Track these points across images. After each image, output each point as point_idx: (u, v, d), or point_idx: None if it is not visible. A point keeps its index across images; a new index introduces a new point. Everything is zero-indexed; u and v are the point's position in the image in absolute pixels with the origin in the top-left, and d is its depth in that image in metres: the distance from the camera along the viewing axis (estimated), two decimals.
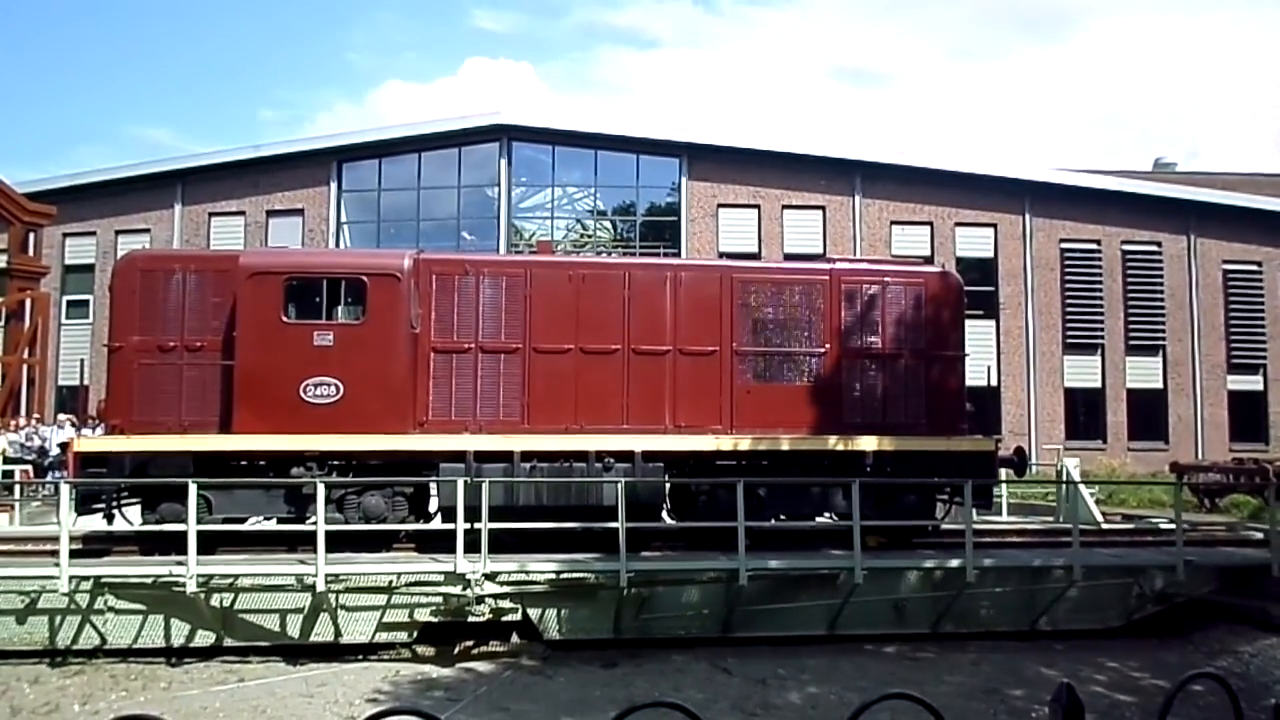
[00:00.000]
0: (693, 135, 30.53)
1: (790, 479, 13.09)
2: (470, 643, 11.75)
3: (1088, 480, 22.05)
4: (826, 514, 13.64)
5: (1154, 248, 30.45)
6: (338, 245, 29.87)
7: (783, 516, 13.19)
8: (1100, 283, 30.06)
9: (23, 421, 22.56)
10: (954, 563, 12.12)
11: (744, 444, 13.14)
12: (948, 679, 10.45)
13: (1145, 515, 18.85)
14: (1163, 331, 30.12)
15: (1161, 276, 30.30)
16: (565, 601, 11.68)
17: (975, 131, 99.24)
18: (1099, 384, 30.03)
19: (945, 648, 11.84)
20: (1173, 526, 14.84)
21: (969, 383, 14.81)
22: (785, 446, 13.20)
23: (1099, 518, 16.65)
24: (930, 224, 30.05)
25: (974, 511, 12.95)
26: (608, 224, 32.08)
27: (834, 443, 13.26)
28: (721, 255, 28.39)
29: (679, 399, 13.32)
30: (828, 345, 13.69)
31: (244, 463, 12.57)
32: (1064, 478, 17.77)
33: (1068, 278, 30.11)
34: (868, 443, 13.31)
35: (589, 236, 31.89)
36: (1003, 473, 14.44)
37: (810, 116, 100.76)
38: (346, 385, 12.40)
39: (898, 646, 11.86)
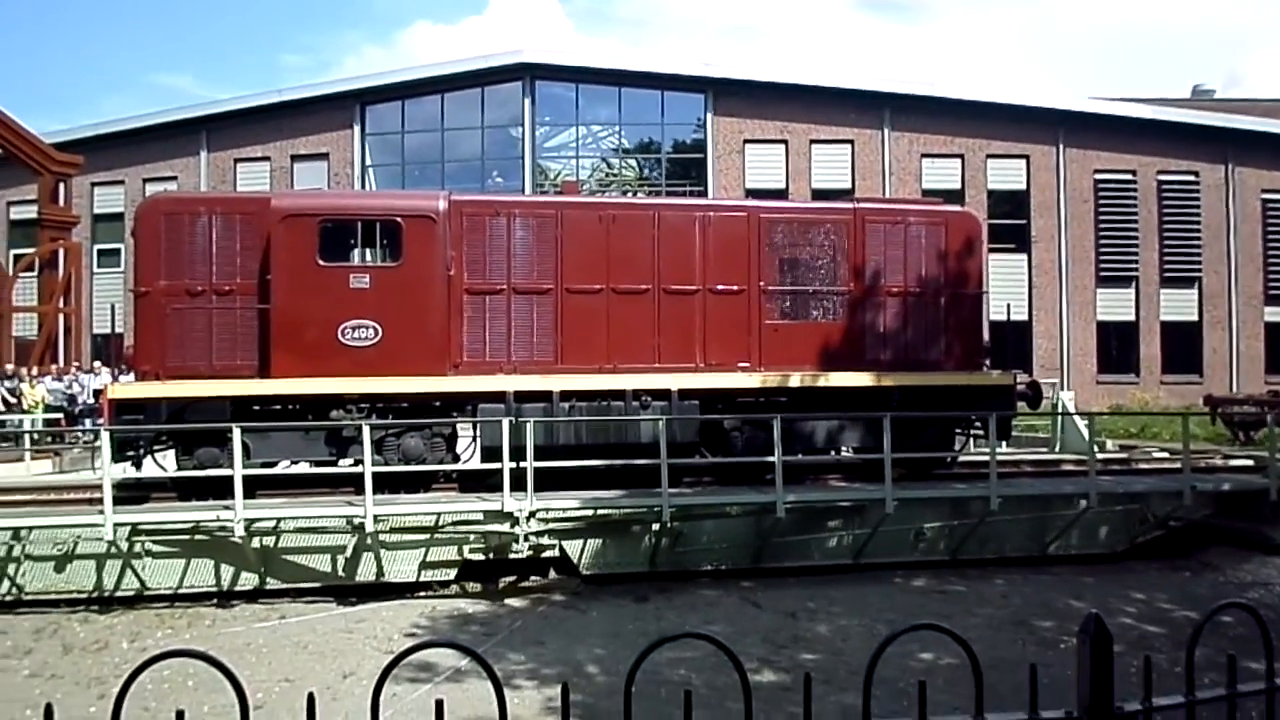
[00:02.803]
0: (718, 70, 30.07)
1: (824, 414, 13.39)
2: (508, 579, 11.98)
3: (1117, 412, 22.84)
4: (843, 448, 13.97)
5: (1191, 177, 29.84)
6: (363, 188, 29.87)
7: (801, 451, 13.42)
8: (1135, 214, 29.56)
9: (58, 369, 22.96)
10: (980, 492, 12.45)
11: (776, 381, 13.38)
12: (976, 611, 10.55)
13: (1141, 445, 19.46)
14: (1199, 263, 29.65)
15: (1198, 207, 29.73)
16: (602, 537, 11.91)
17: (1007, 63, 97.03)
18: (1132, 317, 29.71)
19: (973, 580, 11.97)
20: (1164, 454, 16.53)
21: (994, 318, 15.02)
22: (815, 383, 13.46)
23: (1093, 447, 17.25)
24: (961, 156, 29.59)
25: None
26: (633, 162, 31.82)
27: (859, 379, 13.52)
28: (748, 192, 28.17)
29: (709, 337, 13.46)
30: (851, 284, 13.92)
31: (277, 407, 12.55)
32: (1060, 410, 18.70)
33: (1102, 209, 29.63)
34: (892, 379, 13.60)
35: (614, 175, 31.67)
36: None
37: (837, 49, 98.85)
38: (384, 327, 12.42)
39: (926, 580, 11.99)
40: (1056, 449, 17.91)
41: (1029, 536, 13.00)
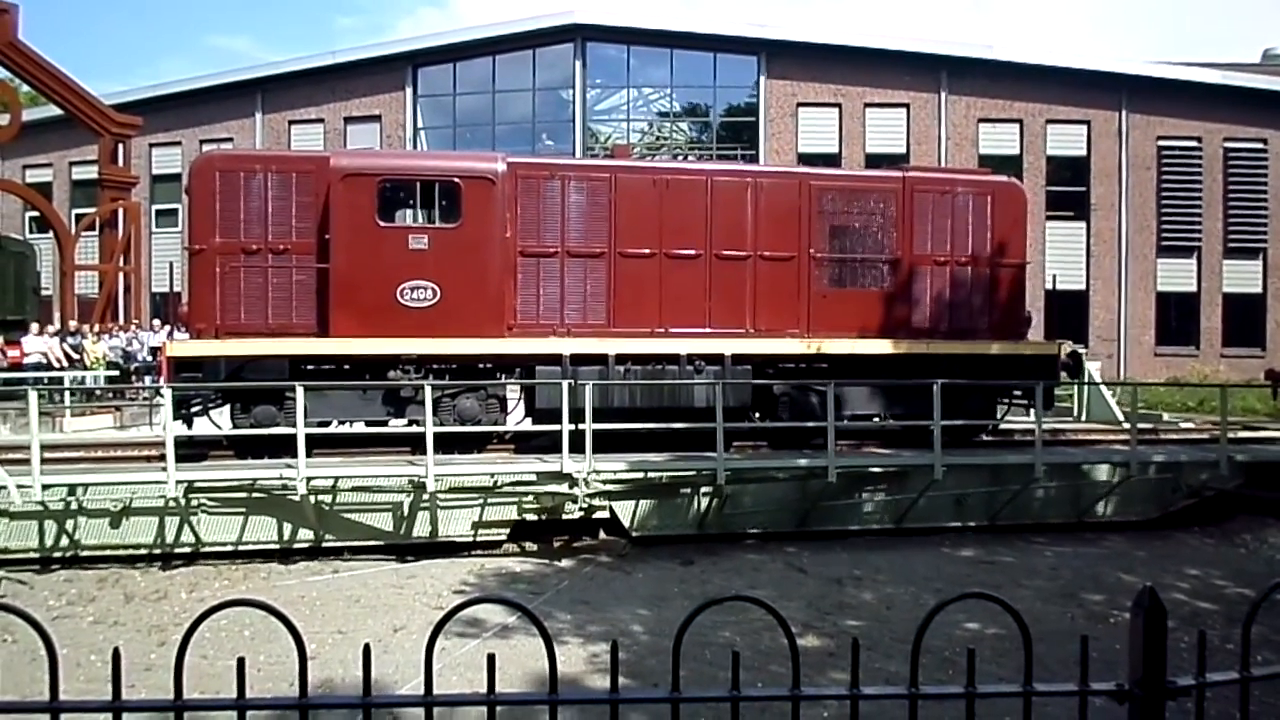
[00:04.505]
0: (772, 31, 29.63)
1: (873, 381, 13.55)
2: (557, 540, 12.14)
3: (1172, 383, 23.27)
4: (886, 414, 14.07)
5: (1259, 145, 28.90)
6: (415, 150, 29.99)
7: (846, 417, 13.53)
8: (1199, 182, 28.75)
9: (118, 327, 23.47)
10: (1026, 459, 12.68)
11: (826, 348, 13.48)
12: (1025, 583, 10.48)
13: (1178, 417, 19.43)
14: (1264, 233, 28.80)
15: (1266, 175, 28.83)
16: (653, 499, 12.07)
17: (1070, 25, 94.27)
18: (1194, 288, 28.99)
19: (1021, 551, 11.92)
20: (1190, 425, 17.19)
21: (1048, 287, 14.97)
22: (863, 350, 13.57)
23: (1120, 416, 17.28)
24: (1020, 121, 28.94)
25: (1022, 411, 14.37)
26: (684, 126, 31.58)
27: (905, 347, 13.71)
28: (800, 157, 27.87)
29: (759, 303, 13.54)
30: (898, 252, 14.03)
31: (329, 366, 12.58)
32: (1086, 380, 18.42)
33: (1165, 177, 28.84)
34: (938, 347, 13.79)
35: (665, 139, 31.47)
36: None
37: (893, 9, 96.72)
38: (443, 288, 12.49)
39: (974, 549, 11.94)
40: (1082, 418, 17.94)
41: (1065, 503, 13.28)
